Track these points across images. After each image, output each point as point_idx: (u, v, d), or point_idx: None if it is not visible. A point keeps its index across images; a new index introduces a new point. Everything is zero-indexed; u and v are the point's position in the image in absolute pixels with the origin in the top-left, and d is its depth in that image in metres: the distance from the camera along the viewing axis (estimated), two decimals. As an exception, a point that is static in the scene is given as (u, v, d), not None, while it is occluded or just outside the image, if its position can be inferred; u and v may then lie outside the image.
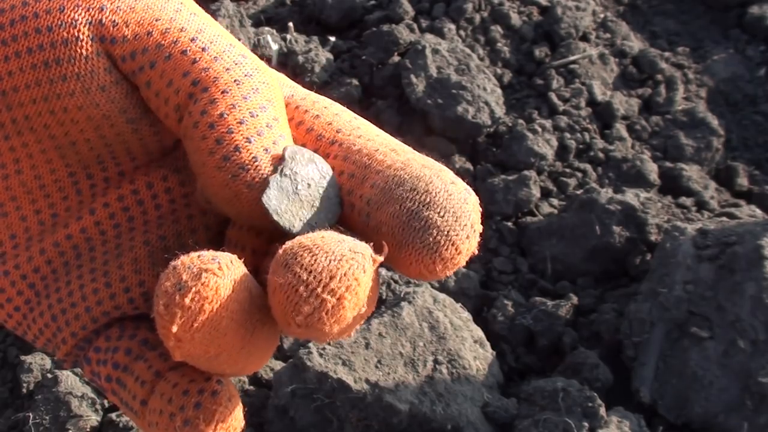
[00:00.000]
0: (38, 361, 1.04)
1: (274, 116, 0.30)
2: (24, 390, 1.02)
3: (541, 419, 0.92)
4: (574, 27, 1.46)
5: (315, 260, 0.27)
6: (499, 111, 1.33)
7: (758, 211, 1.22)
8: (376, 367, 0.95)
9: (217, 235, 0.35)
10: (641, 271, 1.13)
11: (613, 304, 1.11)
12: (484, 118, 1.31)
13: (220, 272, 0.27)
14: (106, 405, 1.00)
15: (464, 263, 0.29)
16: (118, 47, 0.30)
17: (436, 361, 0.97)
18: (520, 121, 1.35)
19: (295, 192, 0.31)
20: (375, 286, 0.29)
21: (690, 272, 1.03)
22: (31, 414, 0.97)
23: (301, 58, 1.40)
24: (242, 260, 0.29)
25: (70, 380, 0.99)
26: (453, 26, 1.45)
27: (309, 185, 0.31)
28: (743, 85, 1.47)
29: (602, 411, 0.94)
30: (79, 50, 0.30)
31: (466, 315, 1.04)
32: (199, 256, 0.28)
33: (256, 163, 0.29)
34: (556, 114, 1.38)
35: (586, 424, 0.92)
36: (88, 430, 0.97)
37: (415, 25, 1.45)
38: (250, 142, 0.29)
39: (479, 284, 1.16)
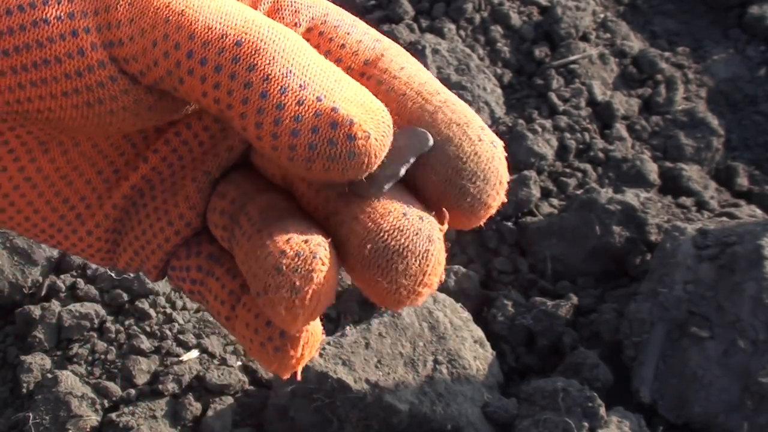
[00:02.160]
0: (38, 361, 1.04)
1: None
2: (24, 390, 1.02)
3: (541, 419, 0.93)
4: (574, 27, 1.46)
5: (407, 265, 0.29)
6: (499, 111, 1.33)
7: (758, 211, 1.22)
8: (376, 367, 0.95)
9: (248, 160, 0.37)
10: (641, 271, 1.13)
11: (613, 304, 1.11)
12: (484, 118, 1.31)
13: (324, 266, 0.29)
14: (106, 405, 1.00)
15: (500, 202, 0.32)
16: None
17: (436, 361, 0.97)
18: (520, 121, 1.35)
19: None
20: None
21: (690, 272, 1.03)
22: (31, 414, 0.97)
23: (301, 58, 1.40)
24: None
25: (70, 380, 0.99)
26: (453, 26, 1.45)
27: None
28: (743, 85, 1.47)
29: (602, 411, 0.94)
30: (112, 90, 0.31)
31: (466, 315, 1.04)
32: (296, 256, 0.29)
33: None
34: (556, 114, 1.38)
35: (586, 424, 0.92)
36: (88, 430, 0.97)
37: (415, 25, 1.45)
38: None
39: (479, 284, 1.16)
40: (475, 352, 1.00)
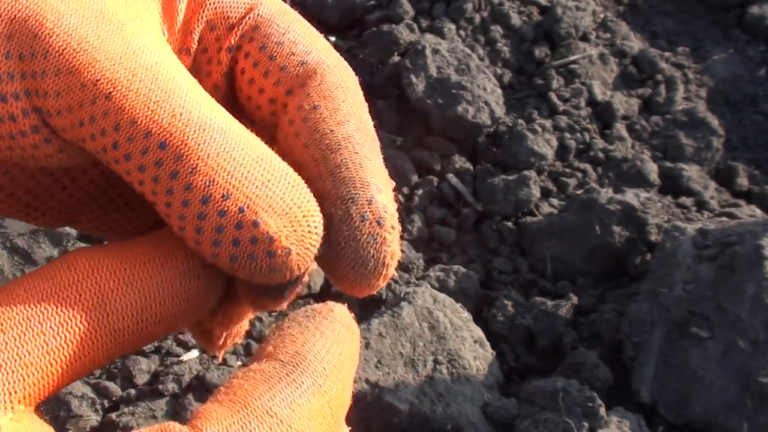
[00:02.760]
0: (38, 361, 1.04)
1: None
2: (24, 390, 1.02)
3: (541, 419, 0.92)
4: (574, 27, 1.46)
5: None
6: (499, 111, 1.33)
7: (758, 211, 1.22)
8: (376, 367, 0.95)
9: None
10: (641, 271, 1.13)
11: (613, 304, 1.11)
12: (484, 118, 1.31)
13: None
14: (106, 405, 1.00)
15: (388, 278, 0.31)
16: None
17: (436, 361, 0.97)
18: (520, 121, 1.35)
19: None
20: None
21: (690, 272, 1.03)
22: (31, 414, 0.97)
23: (301, 58, 1.39)
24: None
25: (70, 380, 0.99)
26: (453, 26, 1.45)
27: None
28: (743, 85, 1.47)
29: (602, 411, 0.94)
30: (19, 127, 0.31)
31: (466, 315, 1.04)
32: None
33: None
34: (556, 114, 1.38)
35: (586, 424, 0.92)
36: (88, 430, 0.97)
37: (415, 25, 1.45)
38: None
39: (479, 284, 1.16)
40: (475, 352, 1.00)
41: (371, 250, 0.30)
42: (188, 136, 0.27)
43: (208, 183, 0.27)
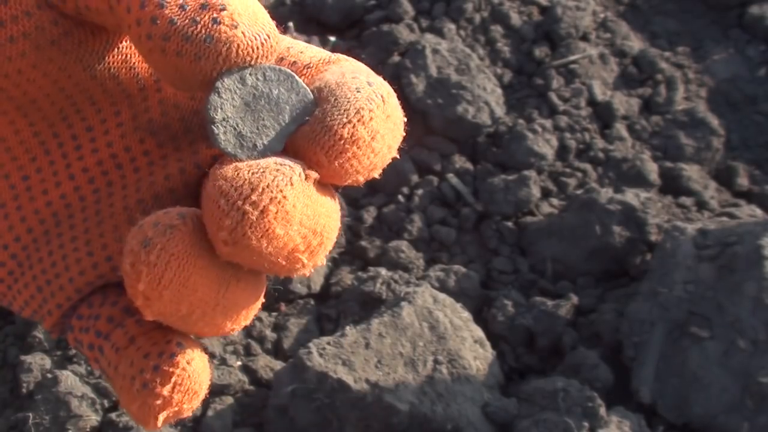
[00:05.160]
0: (38, 361, 1.04)
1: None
2: (24, 390, 1.02)
3: (541, 419, 0.93)
4: (574, 27, 1.46)
5: (237, 173, 0.26)
6: (499, 111, 1.33)
7: (758, 211, 1.22)
8: (376, 367, 0.95)
9: (196, 191, 0.33)
10: (641, 271, 1.13)
11: (613, 304, 1.11)
12: (484, 118, 1.31)
13: (185, 227, 0.27)
14: (106, 405, 1.00)
15: (365, 154, 0.28)
16: None
17: (436, 361, 0.97)
18: (520, 121, 1.35)
19: (252, 107, 0.28)
20: (321, 208, 0.28)
21: (690, 272, 1.03)
22: (31, 414, 0.97)
23: (301, 58, 1.39)
24: None
25: (70, 380, 0.99)
26: (453, 26, 1.45)
27: (275, 102, 0.28)
28: (743, 85, 1.47)
29: (602, 411, 0.94)
30: (20, 8, 0.29)
31: (466, 315, 1.04)
32: (165, 213, 0.27)
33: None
34: (556, 114, 1.38)
35: (586, 424, 0.92)
36: (88, 430, 0.97)
37: (415, 25, 1.45)
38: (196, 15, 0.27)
39: (479, 284, 1.16)
40: (475, 352, 1.00)
41: (344, 92, 0.28)
42: None
43: None
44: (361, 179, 0.29)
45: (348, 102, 0.28)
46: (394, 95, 0.30)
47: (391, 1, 1.49)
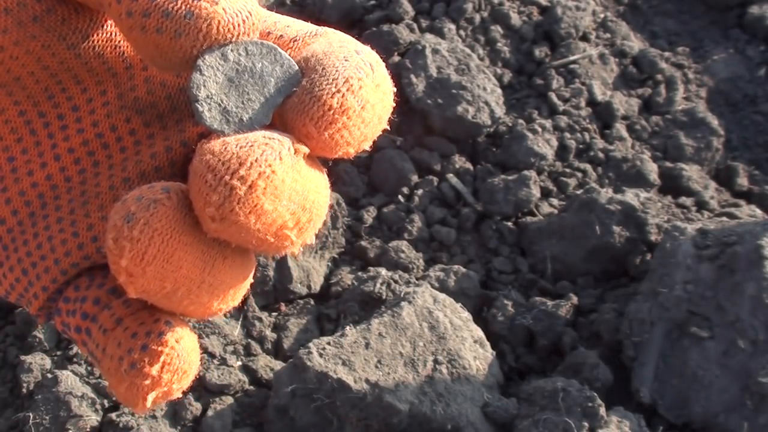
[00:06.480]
0: (38, 361, 1.04)
1: None
2: (24, 390, 1.02)
3: (541, 419, 0.92)
4: (574, 27, 1.46)
5: (225, 147, 0.26)
6: (499, 111, 1.33)
7: (758, 211, 1.22)
8: (376, 367, 0.95)
9: (183, 170, 0.33)
10: (641, 271, 1.13)
11: (613, 304, 1.11)
12: (484, 118, 1.31)
13: (169, 202, 0.26)
14: (106, 405, 1.00)
15: (355, 124, 0.28)
16: None
17: (436, 361, 0.97)
18: (520, 121, 1.35)
19: (235, 83, 0.28)
20: (311, 183, 0.28)
21: (690, 272, 1.03)
22: (31, 414, 0.97)
23: (301, 58, 1.39)
24: None
25: (70, 380, 0.99)
26: (453, 26, 1.45)
27: (260, 76, 0.28)
28: (743, 85, 1.47)
29: (602, 411, 0.94)
30: None
31: (466, 315, 1.04)
32: (149, 187, 0.27)
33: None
34: (556, 114, 1.38)
35: (586, 424, 0.92)
36: (88, 430, 0.97)
37: (415, 25, 1.45)
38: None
39: (479, 284, 1.16)
40: (475, 352, 1.00)
41: (332, 61, 0.28)
42: None
43: None
44: (352, 151, 0.28)
45: (336, 71, 0.27)
46: (382, 64, 0.29)
47: (391, 1, 1.49)
